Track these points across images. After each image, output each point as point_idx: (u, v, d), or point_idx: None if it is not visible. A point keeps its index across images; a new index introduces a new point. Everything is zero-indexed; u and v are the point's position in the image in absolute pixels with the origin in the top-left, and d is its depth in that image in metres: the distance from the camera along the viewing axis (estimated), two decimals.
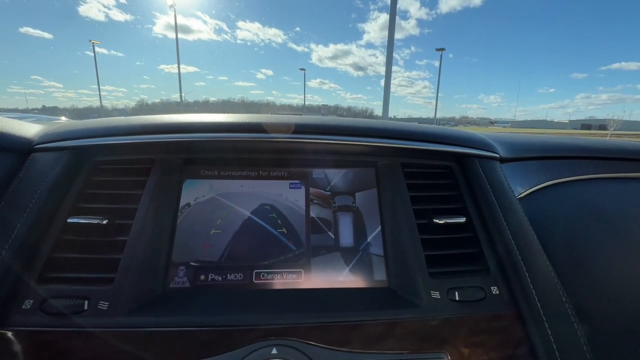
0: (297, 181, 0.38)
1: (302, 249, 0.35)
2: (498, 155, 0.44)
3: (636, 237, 0.44)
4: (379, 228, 0.36)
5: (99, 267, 0.29)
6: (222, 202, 0.36)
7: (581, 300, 0.33)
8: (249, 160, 0.38)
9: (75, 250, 0.30)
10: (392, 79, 8.25)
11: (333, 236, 0.36)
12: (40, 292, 0.28)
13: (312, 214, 0.36)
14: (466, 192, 0.39)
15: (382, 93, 8.05)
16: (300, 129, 0.36)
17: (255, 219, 0.36)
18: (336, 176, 0.38)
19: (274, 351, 0.25)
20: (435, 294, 0.30)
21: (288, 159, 0.39)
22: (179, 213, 0.35)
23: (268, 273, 0.33)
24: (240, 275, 0.33)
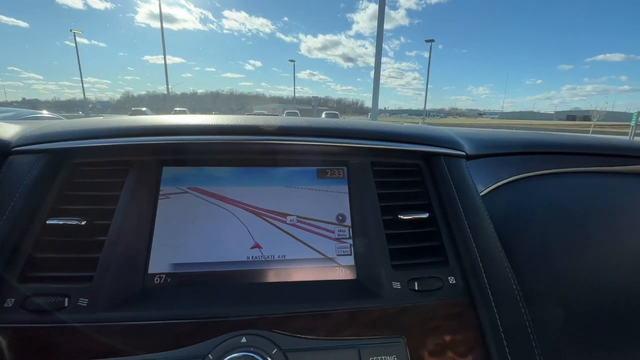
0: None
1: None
2: (464, 153, 0.46)
3: (590, 229, 0.47)
4: (350, 223, 0.39)
5: (78, 266, 0.31)
6: (197, 199, 0.37)
7: (531, 289, 0.36)
8: (225, 161, 0.39)
9: (55, 250, 0.32)
10: (381, 70, 8.25)
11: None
12: (21, 290, 0.29)
13: (305, 212, 0.38)
14: (431, 189, 0.41)
15: (372, 84, 8.04)
16: (276, 131, 0.38)
17: (231, 214, 0.37)
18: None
19: (244, 340, 0.27)
20: (397, 285, 0.33)
21: (263, 159, 0.40)
22: (156, 212, 0.36)
23: (240, 269, 0.35)
24: (213, 271, 0.34)
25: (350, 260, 0.37)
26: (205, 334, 0.28)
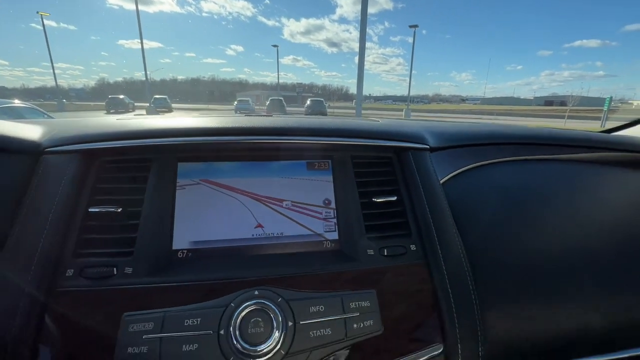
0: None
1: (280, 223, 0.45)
2: (428, 147, 0.55)
3: (529, 208, 0.58)
4: (334, 206, 0.47)
5: (121, 243, 0.38)
6: (208, 189, 0.45)
7: (475, 255, 0.46)
8: (230, 157, 0.47)
9: (101, 232, 0.39)
10: (366, 56, 8.24)
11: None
12: (77, 263, 0.36)
13: (297, 198, 0.47)
14: (400, 177, 0.51)
15: (357, 70, 8.05)
16: (272, 131, 0.46)
17: (237, 201, 0.45)
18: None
19: (256, 292, 0.36)
20: (370, 252, 0.42)
21: (262, 155, 0.48)
22: (175, 200, 0.44)
23: (247, 244, 0.44)
24: (224, 247, 0.43)
25: (335, 235, 0.46)
26: (224, 291, 0.36)
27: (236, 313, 0.34)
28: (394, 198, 0.47)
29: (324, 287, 0.38)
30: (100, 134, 0.44)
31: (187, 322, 0.33)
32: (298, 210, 0.47)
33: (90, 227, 0.39)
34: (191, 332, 0.33)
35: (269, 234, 0.45)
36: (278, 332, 0.33)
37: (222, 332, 0.33)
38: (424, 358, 0.38)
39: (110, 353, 0.32)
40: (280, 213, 0.46)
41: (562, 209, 0.59)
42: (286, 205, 0.47)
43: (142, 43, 18.24)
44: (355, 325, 0.36)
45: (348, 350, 0.36)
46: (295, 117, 0.55)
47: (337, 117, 0.69)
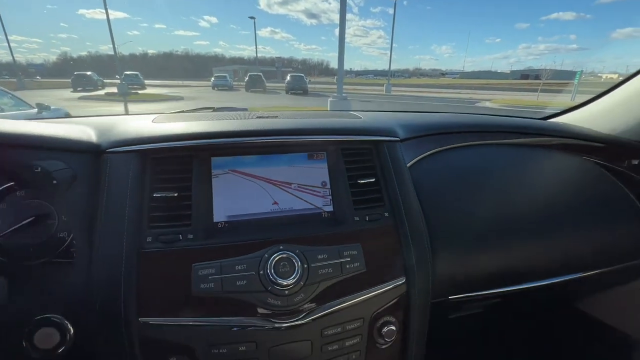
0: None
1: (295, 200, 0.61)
2: (398, 139, 0.72)
3: (475, 182, 0.77)
4: (329, 186, 0.64)
5: (181, 218, 0.53)
6: (235, 177, 0.60)
7: (430, 218, 0.64)
8: (251, 152, 0.62)
9: (165, 210, 0.53)
10: (346, 28, 8.14)
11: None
12: (153, 233, 0.51)
13: (302, 181, 0.63)
14: (377, 164, 0.67)
15: (337, 43, 7.97)
16: (284, 132, 0.61)
17: (257, 185, 0.61)
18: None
19: (280, 247, 0.53)
20: (357, 218, 0.59)
21: (274, 149, 0.63)
22: (212, 186, 0.58)
23: (267, 217, 0.60)
24: (250, 219, 0.58)
25: (330, 208, 0.62)
26: (258, 247, 0.53)
27: (269, 260, 0.50)
28: (373, 180, 0.64)
29: (326, 243, 0.56)
30: (150, 137, 0.57)
31: (237, 267, 0.50)
32: (302, 190, 0.63)
33: (157, 207, 0.53)
34: (240, 273, 0.49)
35: (283, 209, 0.61)
36: (298, 271, 0.50)
37: (261, 272, 0.50)
38: (392, 286, 0.57)
39: (188, 288, 0.48)
40: (290, 193, 0.62)
41: (501, 182, 0.78)
42: (294, 187, 0.63)
43: (107, 12, 16.98)
44: (347, 266, 0.54)
45: (342, 282, 0.54)
46: (297, 119, 0.70)
47: (329, 114, 0.84)
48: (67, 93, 18.62)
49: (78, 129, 0.63)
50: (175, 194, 0.54)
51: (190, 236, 0.52)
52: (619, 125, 0.91)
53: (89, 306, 0.48)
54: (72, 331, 0.48)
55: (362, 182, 0.63)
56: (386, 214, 0.61)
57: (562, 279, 0.76)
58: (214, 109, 1.05)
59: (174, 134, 0.57)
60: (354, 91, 24.16)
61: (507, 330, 1.37)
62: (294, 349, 0.51)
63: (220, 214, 0.57)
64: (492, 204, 0.73)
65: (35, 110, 4.77)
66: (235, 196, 0.59)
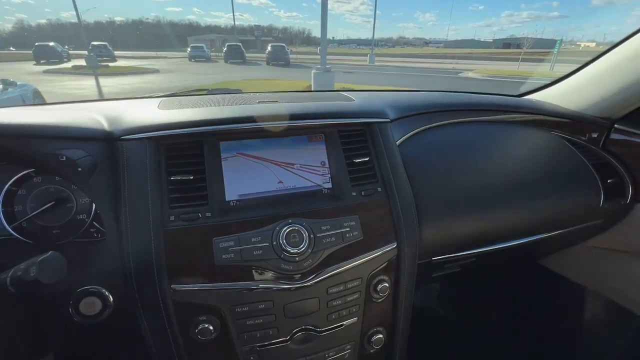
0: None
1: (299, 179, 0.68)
2: (389, 119, 0.78)
3: (457, 157, 0.85)
4: (328, 166, 0.71)
5: (199, 198, 0.59)
6: (243, 159, 0.66)
7: (418, 191, 0.73)
8: (257, 135, 0.67)
9: (183, 192, 0.59)
10: None
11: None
12: (174, 213, 0.57)
13: (303, 162, 0.69)
14: (370, 143, 0.74)
15: (320, 10, 7.68)
16: (286, 117, 0.66)
17: (263, 166, 0.67)
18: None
19: (289, 221, 0.60)
20: (354, 193, 0.67)
21: (278, 133, 0.68)
22: (222, 168, 0.64)
23: (274, 194, 0.66)
24: (260, 197, 0.65)
25: (330, 185, 0.70)
26: (269, 222, 0.60)
27: (281, 232, 0.58)
28: (367, 158, 0.71)
29: (327, 216, 0.63)
30: (162, 124, 0.61)
31: (253, 240, 0.57)
32: (304, 170, 0.70)
33: (176, 190, 0.59)
34: (256, 244, 0.57)
35: (287, 187, 0.67)
36: (306, 241, 0.58)
37: (274, 243, 0.57)
38: (385, 251, 0.66)
39: (212, 259, 0.55)
40: (293, 172, 0.69)
41: (478, 156, 0.87)
42: (296, 167, 0.69)
43: None
44: (347, 235, 0.62)
45: (343, 249, 0.63)
46: (296, 104, 0.75)
47: (324, 96, 0.89)
48: (30, 66, 17.26)
49: (88, 117, 0.66)
50: (191, 177, 0.59)
51: (208, 214, 0.58)
52: (584, 102, 1.01)
53: (125, 278, 0.54)
54: (111, 299, 0.55)
55: (357, 161, 0.70)
56: (379, 189, 0.69)
57: (529, 240, 0.88)
58: (208, 91, 1.08)
59: (184, 121, 0.62)
60: (337, 62, 23.58)
61: (479, 284, 1.54)
62: (304, 305, 0.60)
63: (232, 194, 0.63)
64: (470, 176, 0.82)
65: (0, 87, 4.48)
66: (244, 177, 0.65)
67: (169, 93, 1.02)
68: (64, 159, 0.55)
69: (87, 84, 12.19)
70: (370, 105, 0.80)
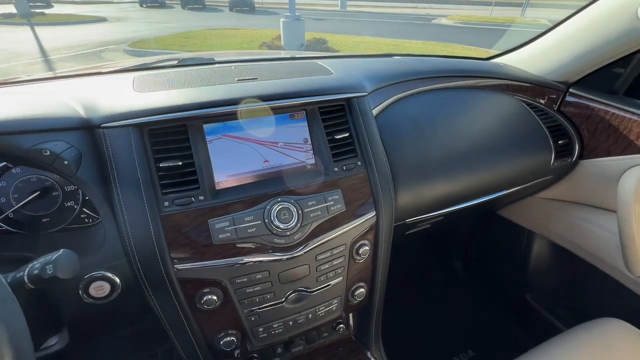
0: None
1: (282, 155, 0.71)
2: (366, 93, 0.81)
3: (430, 126, 0.91)
4: (310, 143, 0.74)
5: (190, 183, 0.61)
6: (228, 141, 0.67)
7: (393, 160, 0.79)
8: (240, 116, 0.67)
9: (174, 177, 0.60)
10: None
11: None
12: (168, 198, 0.59)
13: (286, 140, 0.72)
14: (350, 119, 0.77)
15: None
16: (267, 97, 0.66)
17: (248, 147, 0.69)
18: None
19: (279, 199, 0.65)
20: (336, 169, 0.72)
21: (260, 113, 0.69)
22: (209, 151, 0.65)
23: (260, 173, 0.70)
24: (247, 175, 0.68)
25: (313, 161, 0.74)
26: (259, 201, 0.64)
27: (272, 210, 0.63)
28: (347, 134, 0.75)
29: (313, 191, 0.69)
30: (143, 110, 0.60)
31: (246, 219, 0.62)
32: (288, 147, 0.73)
33: (166, 176, 0.61)
34: (250, 223, 0.62)
35: (273, 165, 0.71)
36: (295, 216, 0.64)
37: (266, 220, 0.62)
38: (366, 219, 0.73)
39: (209, 239, 0.60)
40: (277, 151, 0.72)
41: (448, 123, 0.94)
42: (280, 145, 0.72)
43: None
44: (332, 208, 0.69)
45: (329, 220, 0.69)
46: (277, 81, 0.75)
47: (302, 69, 0.88)
48: None
49: (61, 103, 0.63)
50: (180, 163, 0.61)
51: (201, 197, 0.61)
52: (545, 67, 1.08)
53: (129, 262, 0.58)
54: (119, 281, 0.59)
55: (338, 137, 0.73)
56: (359, 163, 0.74)
57: (492, 197, 0.99)
58: (179, 61, 1.03)
59: (168, 106, 0.61)
60: (306, 7, 21.93)
61: (445, 234, 1.72)
62: (297, 272, 0.68)
63: (220, 176, 0.66)
64: (440, 143, 0.89)
65: None
66: (230, 158, 0.67)
67: (139, 65, 0.96)
68: (48, 153, 0.54)
69: (23, 36, 10.64)
70: (349, 79, 0.82)
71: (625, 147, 0.96)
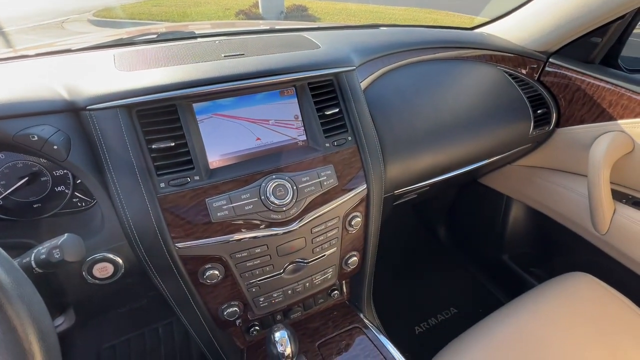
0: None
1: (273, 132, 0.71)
2: (354, 67, 0.81)
3: (416, 99, 0.93)
4: (301, 119, 0.74)
5: (185, 163, 0.61)
6: (219, 120, 0.66)
7: (382, 133, 0.81)
8: (230, 94, 0.66)
9: (168, 158, 0.60)
10: None
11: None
12: (163, 179, 0.59)
13: (277, 117, 0.71)
14: (339, 94, 0.77)
15: None
16: (256, 74, 0.65)
17: (240, 125, 0.69)
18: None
19: (273, 176, 0.66)
20: (327, 144, 0.73)
21: (250, 90, 0.67)
22: (200, 130, 0.65)
23: (253, 151, 0.70)
24: (240, 154, 0.69)
25: (304, 137, 0.75)
26: (254, 179, 0.65)
27: (267, 187, 0.64)
28: (337, 110, 0.75)
29: (306, 167, 0.70)
30: (130, 91, 0.59)
31: (242, 197, 0.63)
32: (279, 124, 0.73)
33: (159, 157, 0.61)
34: (247, 200, 0.64)
35: (265, 143, 0.71)
36: (290, 192, 0.66)
37: (262, 197, 0.64)
38: (357, 192, 0.76)
39: (208, 218, 0.62)
40: (268, 128, 0.72)
41: (434, 95, 0.96)
42: (271, 122, 0.72)
43: None
44: (325, 183, 0.71)
45: (322, 195, 0.72)
46: (264, 57, 0.73)
47: (289, 42, 0.86)
48: None
49: (41, 85, 0.61)
50: (172, 144, 0.61)
51: (196, 177, 0.62)
52: (527, 37, 1.09)
53: (130, 243, 0.60)
54: (121, 262, 0.61)
55: (328, 112, 0.74)
56: (349, 138, 0.76)
57: (475, 166, 1.04)
58: (158, 35, 0.98)
59: (157, 86, 0.60)
60: None
61: (430, 206, 1.80)
62: (294, 244, 0.71)
63: (213, 155, 0.67)
64: (427, 115, 0.92)
65: None
66: (222, 137, 0.68)
67: (115, 41, 0.91)
68: (36, 138, 0.53)
69: None
70: (336, 52, 0.82)
71: (598, 115, 1.01)
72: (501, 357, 0.76)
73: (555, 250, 1.37)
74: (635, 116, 0.93)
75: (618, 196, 1.02)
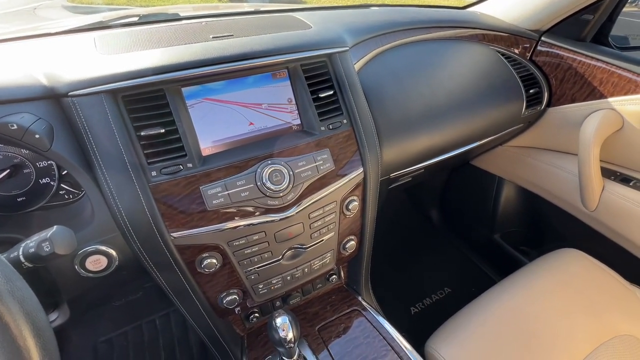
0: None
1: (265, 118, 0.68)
2: (347, 47, 0.79)
3: (410, 81, 0.91)
4: (295, 102, 0.72)
5: (176, 150, 0.59)
6: (210, 104, 0.64)
7: (377, 115, 0.80)
8: (220, 77, 0.63)
9: (158, 146, 0.57)
10: None
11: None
12: (155, 168, 0.57)
13: (270, 100, 0.69)
14: (333, 76, 0.75)
15: None
16: (247, 56, 0.62)
17: (232, 109, 0.66)
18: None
19: (269, 162, 0.65)
20: (322, 128, 0.72)
21: (241, 73, 0.65)
22: (190, 116, 0.62)
23: (246, 137, 0.68)
24: (233, 140, 0.66)
25: (298, 121, 0.73)
26: (249, 165, 0.64)
27: (263, 173, 0.63)
28: (332, 92, 0.74)
29: (301, 152, 0.69)
30: (114, 75, 0.56)
31: (238, 183, 0.62)
32: (272, 108, 0.71)
33: (149, 145, 0.58)
34: (243, 187, 0.62)
35: (259, 128, 0.69)
36: (286, 178, 0.65)
37: (259, 183, 0.63)
38: (353, 176, 0.75)
39: (203, 205, 0.60)
40: (261, 112, 0.70)
41: (428, 76, 0.95)
42: (264, 106, 0.70)
43: None
44: (321, 167, 0.70)
45: (319, 180, 0.71)
46: (254, 37, 0.70)
47: (280, 22, 0.83)
48: None
49: (18, 71, 0.57)
50: (162, 130, 0.58)
51: (189, 165, 0.60)
52: (520, 15, 1.08)
53: (124, 234, 0.58)
54: (115, 254, 0.59)
55: (322, 95, 0.72)
56: (344, 121, 0.74)
57: (468, 147, 1.04)
58: (140, 18, 0.94)
59: (141, 69, 0.57)
60: None
61: (424, 188, 1.82)
62: (292, 230, 0.70)
63: (206, 141, 0.64)
64: (421, 97, 0.91)
65: None
66: (214, 122, 0.65)
67: (95, 24, 0.86)
68: (15, 127, 0.50)
69: None
70: (329, 33, 0.79)
71: (589, 93, 1.02)
72: (496, 333, 0.78)
73: (546, 228, 1.40)
74: (625, 93, 0.94)
75: (607, 173, 1.04)
